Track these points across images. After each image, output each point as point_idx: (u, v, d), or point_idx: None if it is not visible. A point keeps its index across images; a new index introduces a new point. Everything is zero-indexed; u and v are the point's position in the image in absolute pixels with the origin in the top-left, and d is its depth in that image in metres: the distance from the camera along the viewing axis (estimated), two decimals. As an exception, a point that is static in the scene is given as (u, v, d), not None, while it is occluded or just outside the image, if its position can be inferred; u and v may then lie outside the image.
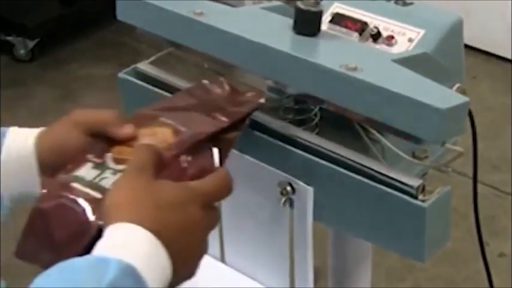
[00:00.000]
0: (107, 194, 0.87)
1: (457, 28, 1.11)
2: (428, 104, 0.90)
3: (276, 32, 1.05)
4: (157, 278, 0.80)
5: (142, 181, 0.86)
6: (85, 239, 0.85)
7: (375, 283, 1.32)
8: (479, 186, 1.17)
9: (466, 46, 1.15)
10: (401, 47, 1.08)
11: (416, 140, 0.94)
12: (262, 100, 1.02)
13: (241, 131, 0.98)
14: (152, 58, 1.20)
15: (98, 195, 0.89)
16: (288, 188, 1.02)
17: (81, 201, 0.88)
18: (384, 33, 1.10)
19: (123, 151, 0.95)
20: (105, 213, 0.84)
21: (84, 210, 0.87)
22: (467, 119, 1.12)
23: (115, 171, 0.92)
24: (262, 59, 1.01)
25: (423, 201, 0.94)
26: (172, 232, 0.83)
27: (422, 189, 0.95)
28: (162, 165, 0.90)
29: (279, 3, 1.16)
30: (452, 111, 0.91)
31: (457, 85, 1.12)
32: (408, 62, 1.02)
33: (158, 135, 0.96)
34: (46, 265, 0.82)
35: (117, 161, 0.93)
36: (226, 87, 1.05)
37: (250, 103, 1.02)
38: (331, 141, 1.02)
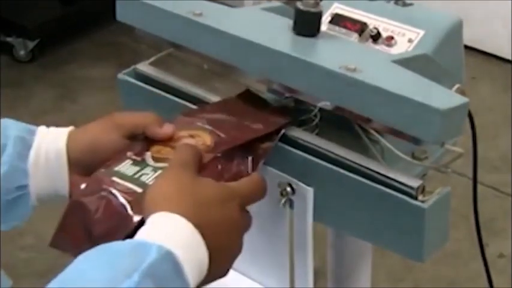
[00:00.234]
0: (149, 187, 0.88)
1: (456, 29, 1.11)
2: (427, 104, 0.90)
3: (275, 33, 1.05)
4: (195, 269, 0.81)
5: (185, 176, 0.88)
6: (123, 232, 0.87)
7: (375, 283, 1.32)
8: (479, 187, 1.17)
9: (466, 47, 1.15)
10: (401, 47, 1.08)
11: (416, 141, 0.94)
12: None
13: (275, 142, 1.00)
14: (152, 59, 1.20)
15: (138, 189, 0.90)
16: (288, 189, 1.02)
17: (121, 195, 0.90)
18: (384, 34, 1.10)
19: (162, 150, 0.97)
20: (148, 204, 0.85)
21: (123, 204, 0.89)
22: (467, 119, 1.13)
23: (155, 169, 0.93)
24: (262, 60, 1.01)
25: (423, 201, 0.94)
26: (211, 228, 0.84)
27: (422, 189, 0.95)
28: (201, 166, 0.92)
29: (278, 3, 1.16)
30: (452, 111, 0.91)
31: (457, 86, 1.12)
32: (408, 62, 1.02)
33: (197, 138, 0.98)
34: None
35: (157, 159, 0.95)
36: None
37: (285, 116, 1.04)
38: (331, 142, 1.02)
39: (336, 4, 1.14)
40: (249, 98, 1.08)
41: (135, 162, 0.95)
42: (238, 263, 0.89)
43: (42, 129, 1.01)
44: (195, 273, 0.81)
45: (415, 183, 0.95)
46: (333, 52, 1.03)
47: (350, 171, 0.98)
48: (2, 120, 1.01)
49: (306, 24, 1.03)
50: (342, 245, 1.24)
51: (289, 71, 0.99)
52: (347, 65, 0.95)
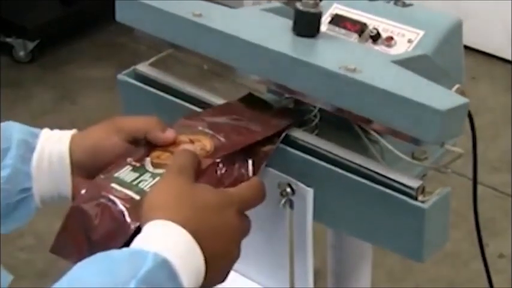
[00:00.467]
0: (146, 194, 0.89)
1: (456, 29, 1.11)
2: (427, 105, 0.90)
3: (275, 34, 1.05)
4: (191, 276, 0.81)
5: (182, 183, 0.88)
6: (121, 239, 0.87)
7: (375, 284, 1.32)
8: (479, 187, 1.17)
9: (465, 47, 1.15)
10: (401, 48, 1.08)
11: (416, 141, 0.94)
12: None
13: (276, 145, 1.00)
14: (152, 59, 1.20)
15: (136, 196, 0.91)
16: (288, 189, 1.02)
17: (120, 202, 0.90)
18: (384, 34, 1.10)
19: (161, 156, 0.97)
20: (145, 211, 0.85)
21: (122, 211, 0.90)
22: (467, 120, 1.12)
23: (153, 175, 0.94)
24: (262, 61, 1.01)
25: (423, 202, 0.94)
26: (208, 234, 0.84)
27: (422, 190, 0.95)
28: (199, 172, 0.92)
29: (278, 4, 1.16)
30: (451, 112, 0.91)
31: (457, 86, 1.12)
32: (407, 63, 1.02)
33: (196, 143, 0.98)
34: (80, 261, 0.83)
35: (156, 165, 0.96)
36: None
37: (287, 119, 1.04)
38: (330, 142, 1.02)
39: (335, 4, 1.14)
40: (251, 101, 1.08)
41: (134, 168, 0.95)
42: (238, 263, 0.90)
43: (45, 132, 1.02)
44: (192, 280, 0.81)
45: (415, 183, 0.95)
46: (332, 52, 1.03)
47: (350, 171, 0.98)
48: (5, 123, 1.02)
49: (306, 25, 1.03)
50: (342, 245, 1.24)
51: (289, 72, 0.99)
52: (347, 65, 0.95)
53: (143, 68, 1.19)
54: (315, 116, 1.11)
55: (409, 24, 1.10)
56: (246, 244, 0.90)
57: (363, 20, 1.11)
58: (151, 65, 1.19)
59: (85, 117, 3.04)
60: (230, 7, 1.14)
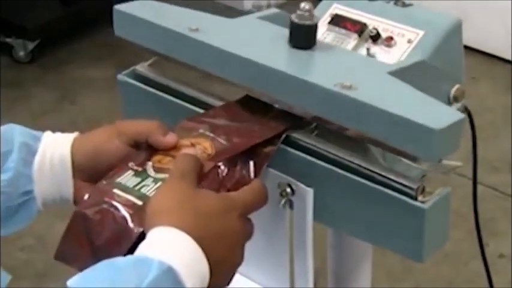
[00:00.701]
0: (149, 200, 0.89)
1: (456, 29, 1.11)
2: (422, 124, 0.90)
3: (271, 47, 1.05)
4: (196, 283, 0.81)
5: (185, 188, 0.88)
6: (125, 245, 0.88)
7: (375, 284, 1.32)
8: (479, 187, 1.17)
9: (466, 47, 1.15)
10: (401, 48, 1.08)
11: (412, 158, 0.94)
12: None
13: (277, 146, 1.00)
14: (151, 60, 1.20)
15: (138, 202, 0.91)
16: (288, 190, 1.02)
17: (122, 208, 0.91)
18: (383, 35, 1.10)
19: (163, 160, 0.97)
20: (148, 218, 0.86)
21: (124, 216, 0.90)
22: (467, 120, 1.13)
23: (155, 180, 0.94)
24: (258, 77, 1.02)
25: (423, 202, 0.94)
26: (212, 241, 0.84)
27: (422, 190, 0.94)
28: (202, 175, 0.92)
29: (276, 10, 1.16)
30: (447, 130, 0.91)
31: (457, 86, 1.12)
32: (405, 72, 1.02)
33: (198, 146, 0.98)
34: (84, 268, 0.84)
35: (157, 169, 0.96)
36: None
37: (287, 120, 1.04)
38: (330, 142, 1.02)
39: (335, 4, 1.14)
40: (250, 102, 1.08)
41: (136, 173, 0.95)
42: (238, 264, 0.90)
43: (47, 136, 1.02)
44: (197, 287, 0.81)
45: (415, 184, 0.95)
46: (328, 67, 1.03)
47: (350, 171, 0.98)
48: (6, 125, 1.02)
49: (301, 37, 1.04)
50: (342, 245, 1.24)
51: (285, 88, 1.00)
52: (342, 82, 0.95)
53: (143, 68, 1.19)
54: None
55: (409, 24, 1.10)
56: (246, 244, 0.91)
57: (363, 20, 1.11)
58: (151, 65, 1.19)
59: (85, 117, 3.04)
60: (230, 7, 1.14)
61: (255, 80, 1.03)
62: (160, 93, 1.13)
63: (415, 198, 0.94)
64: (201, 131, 1.01)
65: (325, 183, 1.00)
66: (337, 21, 1.12)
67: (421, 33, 1.09)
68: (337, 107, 0.95)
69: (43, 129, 1.04)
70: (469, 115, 1.13)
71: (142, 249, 0.82)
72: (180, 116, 1.07)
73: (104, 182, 0.95)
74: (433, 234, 0.96)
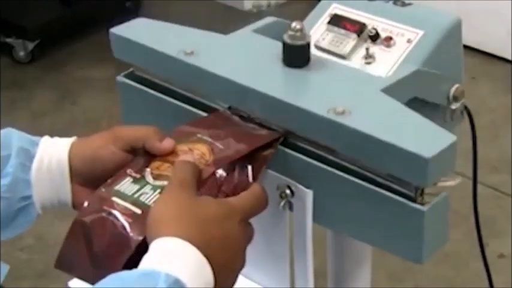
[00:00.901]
0: (150, 209, 0.89)
1: (456, 29, 1.10)
2: (414, 152, 0.90)
3: (265, 67, 1.06)
4: None
5: (186, 197, 0.88)
6: (124, 253, 0.88)
7: (375, 284, 1.32)
8: (479, 187, 1.17)
9: (466, 47, 1.14)
10: (400, 48, 1.08)
11: (407, 184, 0.94)
12: None
13: (276, 149, 1.00)
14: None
15: (137, 210, 0.91)
16: (287, 191, 1.02)
17: (121, 216, 0.91)
18: (383, 34, 1.10)
19: (161, 167, 0.97)
20: (150, 228, 0.86)
21: (123, 225, 0.90)
22: (467, 119, 1.12)
23: (154, 187, 0.94)
24: (252, 102, 1.02)
25: (422, 204, 0.94)
26: (214, 248, 0.85)
27: (421, 192, 0.94)
28: (200, 182, 0.92)
29: (273, 19, 1.16)
30: (439, 156, 0.90)
31: (456, 86, 1.12)
32: (399, 86, 1.02)
33: (195, 152, 0.98)
34: (84, 277, 0.84)
35: (156, 176, 0.96)
36: None
37: None
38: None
39: (334, 4, 1.14)
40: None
41: (135, 180, 0.95)
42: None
43: (45, 140, 1.02)
44: None
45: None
46: (321, 88, 1.03)
47: (349, 173, 0.98)
48: (4, 130, 1.03)
49: (294, 57, 1.05)
50: (342, 245, 1.24)
51: (279, 114, 1.01)
52: (335, 107, 0.96)
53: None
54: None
55: (409, 24, 1.09)
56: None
57: (362, 20, 1.11)
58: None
59: (85, 117, 3.04)
60: (230, 7, 1.13)
61: (249, 104, 1.04)
62: (159, 95, 1.13)
63: (414, 200, 0.94)
64: (198, 136, 1.00)
65: (324, 185, 1.00)
66: (336, 21, 1.12)
67: (421, 33, 1.08)
68: (331, 133, 0.96)
69: (43, 129, 1.05)
70: (469, 115, 1.13)
71: (148, 261, 0.82)
72: (179, 117, 1.07)
73: (103, 190, 0.95)
74: (433, 236, 0.96)
